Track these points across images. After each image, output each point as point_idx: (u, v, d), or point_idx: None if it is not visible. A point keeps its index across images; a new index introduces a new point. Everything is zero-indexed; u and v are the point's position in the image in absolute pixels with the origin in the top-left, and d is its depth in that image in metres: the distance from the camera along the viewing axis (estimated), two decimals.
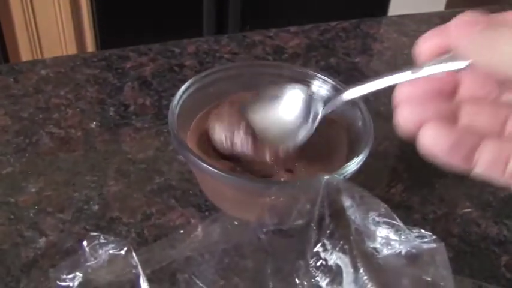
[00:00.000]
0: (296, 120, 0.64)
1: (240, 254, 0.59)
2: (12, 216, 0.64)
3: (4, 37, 1.74)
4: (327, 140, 0.65)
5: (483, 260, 0.64)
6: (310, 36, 1.04)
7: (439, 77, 0.45)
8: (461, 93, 0.45)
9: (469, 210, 0.70)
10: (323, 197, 0.54)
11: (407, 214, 0.69)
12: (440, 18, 1.18)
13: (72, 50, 1.80)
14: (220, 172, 0.58)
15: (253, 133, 0.63)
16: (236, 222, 0.57)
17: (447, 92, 0.45)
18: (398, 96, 0.45)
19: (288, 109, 0.64)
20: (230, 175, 0.58)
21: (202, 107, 0.70)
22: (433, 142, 0.41)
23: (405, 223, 0.53)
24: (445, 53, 0.44)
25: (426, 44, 0.45)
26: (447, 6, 2.20)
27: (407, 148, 0.77)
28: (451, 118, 0.43)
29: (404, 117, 0.43)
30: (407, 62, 0.98)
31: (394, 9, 2.09)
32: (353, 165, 0.60)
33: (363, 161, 0.61)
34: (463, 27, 0.42)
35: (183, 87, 0.68)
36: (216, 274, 0.57)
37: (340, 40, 1.04)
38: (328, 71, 0.93)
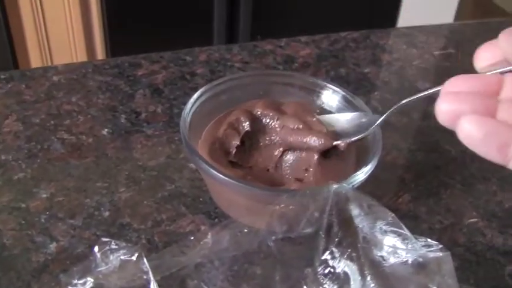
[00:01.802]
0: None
1: (249, 261, 0.60)
2: (23, 222, 0.65)
3: (14, 43, 1.75)
4: (336, 149, 0.66)
5: (488, 269, 0.65)
6: (320, 46, 1.04)
7: (485, 77, 0.46)
8: (504, 94, 0.47)
9: (475, 220, 0.71)
10: (332, 205, 0.55)
11: (414, 224, 0.69)
12: (449, 30, 1.19)
13: (82, 55, 1.80)
14: (231, 180, 0.58)
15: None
16: (246, 230, 0.57)
17: (490, 92, 0.46)
18: (445, 88, 0.47)
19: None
20: (241, 183, 0.59)
21: (213, 115, 0.71)
22: (469, 132, 0.42)
23: (412, 233, 0.53)
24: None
25: (482, 53, 0.47)
26: (456, 18, 2.21)
27: (415, 158, 0.78)
28: (488, 113, 0.45)
29: (443, 108, 0.45)
30: (416, 73, 0.99)
31: (403, 21, 2.10)
32: (361, 174, 0.61)
33: (371, 170, 0.62)
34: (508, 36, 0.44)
35: (195, 95, 0.68)
36: (226, 281, 0.58)
37: (350, 50, 1.04)
38: (338, 81, 0.94)
